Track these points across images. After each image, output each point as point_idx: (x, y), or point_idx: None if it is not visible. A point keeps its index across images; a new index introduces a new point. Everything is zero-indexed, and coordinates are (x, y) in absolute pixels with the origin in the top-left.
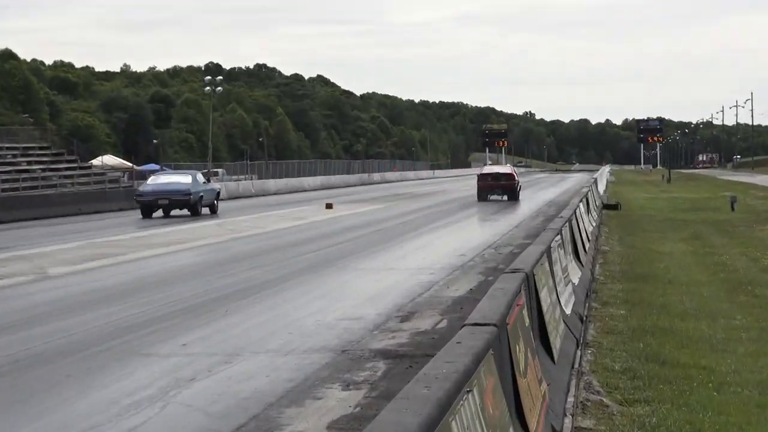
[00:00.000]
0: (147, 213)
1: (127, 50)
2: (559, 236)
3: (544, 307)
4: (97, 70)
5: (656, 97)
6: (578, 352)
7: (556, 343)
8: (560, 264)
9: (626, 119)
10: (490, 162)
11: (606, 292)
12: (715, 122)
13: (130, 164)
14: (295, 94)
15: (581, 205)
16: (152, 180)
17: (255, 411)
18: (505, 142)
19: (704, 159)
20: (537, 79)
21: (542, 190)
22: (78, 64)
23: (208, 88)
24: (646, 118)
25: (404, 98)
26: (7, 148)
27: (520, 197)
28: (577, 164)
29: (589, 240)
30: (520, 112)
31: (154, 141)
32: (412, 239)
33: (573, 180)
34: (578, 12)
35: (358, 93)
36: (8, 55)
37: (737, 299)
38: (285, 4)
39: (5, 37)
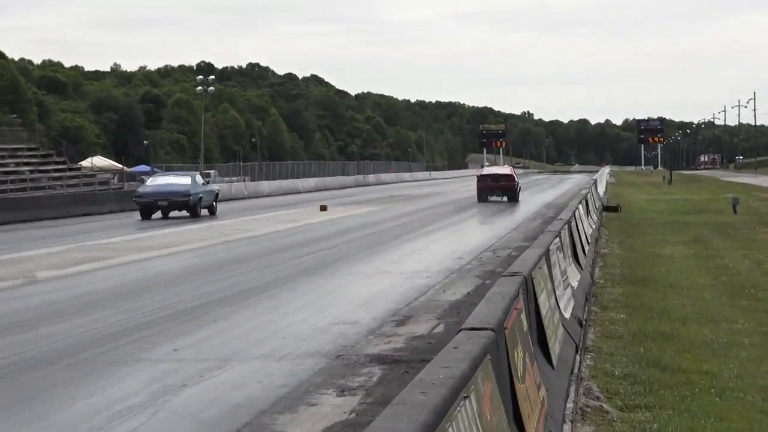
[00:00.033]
0: (146, 214)
1: (117, 49)
2: (557, 239)
3: (543, 311)
4: (86, 69)
5: (657, 97)
6: (577, 357)
7: (555, 347)
8: (559, 267)
9: (626, 119)
10: (487, 163)
11: (606, 295)
12: (717, 122)
13: (120, 166)
14: (288, 94)
15: (580, 207)
16: (151, 181)
17: (247, 418)
18: (503, 143)
19: (706, 160)
20: (535, 78)
21: (541, 191)
22: (67, 64)
23: (199, 87)
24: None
25: (400, 98)
26: None
27: (519, 199)
28: (577, 165)
29: (588, 243)
30: (518, 112)
31: (145, 142)
32: (407, 242)
33: (572, 181)
34: (578, 11)
35: (353, 93)
36: None
37: (740, 303)
38: (279, 2)
39: None
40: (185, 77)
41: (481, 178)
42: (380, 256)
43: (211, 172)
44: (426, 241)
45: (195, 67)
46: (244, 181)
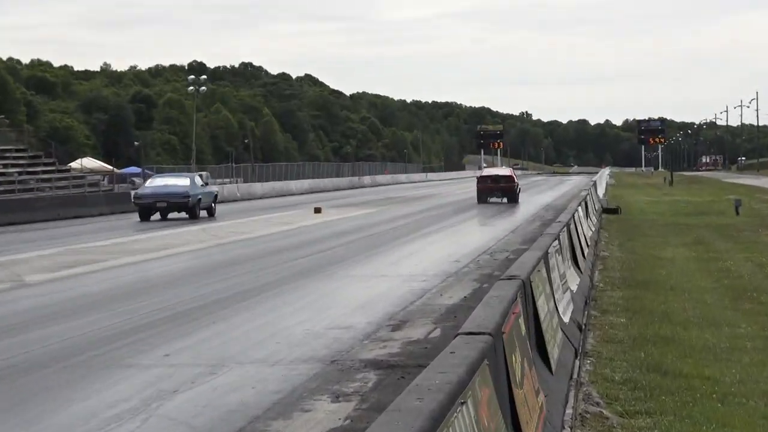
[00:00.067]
0: (145, 216)
1: (107, 48)
2: (556, 241)
3: (542, 316)
4: (76, 69)
5: (658, 97)
6: (577, 362)
7: (553, 352)
8: (558, 270)
9: (627, 120)
10: (485, 165)
11: (605, 299)
12: (719, 123)
13: (110, 167)
14: (282, 93)
15: (580, 209)
16: (150, 182)
17: (240, 424)
18: (501, 144)
19: (708, 161)
20: (534, 78)
21: (539, 193)
22: (56, 63)
23: (191, 87)
24: (647, 118)
25: (396, 98)
26: None
27: (519, 200)
28: (576, 167)
29: (588, 245)
30: (516, 113)
31: (136, 143)
32: (404, 245)
33: (571, 183)
34: (577, 10)
35: (347, 93)
36: None
37: (742, 307)
38: (272, 0)
39: None
40: (176, 77)
41: (481, 180)
42: (376, 259)
43: (203, 173)
44: (423, 244)
45: (186, 67)
46: (237, 182)
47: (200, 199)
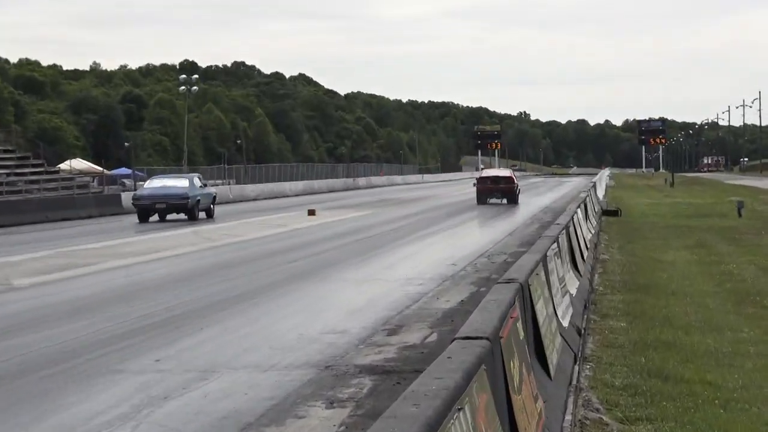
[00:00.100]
0: (144, 217)
1: (96, 47)
2: (555, 244)
3: (540, 320)
4: (65, 68)
5: (658, 97)
6: (576, 367)
7: (552, 357)
8: (557, 274)
9: (627, 120)
10: (482, 166)
11: (605, 303)
12: (721, 123)
13: (100, 168)
14: (275, 93)
15: (579, 211)
16: (149, 184)
17: (233, 431)
18: (499, 145)
19: (709, 162)
20: (532, 77)
21: (538, 195)
22: (44, 62)
23: (183, 87)
24: (647, 118)
25: (391, 98)
26: None
27: (518, 201)
28: (575, 168)
29: (587, 248)
30: (514, 113)
31: (126, 144)
32: (399, 247)
33: (570, 184)
34: (577, 7)
35: (342, 92)
36: None
37: (745, 311)
38: None
39: None
40: (168, 76)
41: (481, 181)
42: (371, 262)
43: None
44: (419, 247)
45: (178, 66)
46: (229, 184)
47: (199, 200)
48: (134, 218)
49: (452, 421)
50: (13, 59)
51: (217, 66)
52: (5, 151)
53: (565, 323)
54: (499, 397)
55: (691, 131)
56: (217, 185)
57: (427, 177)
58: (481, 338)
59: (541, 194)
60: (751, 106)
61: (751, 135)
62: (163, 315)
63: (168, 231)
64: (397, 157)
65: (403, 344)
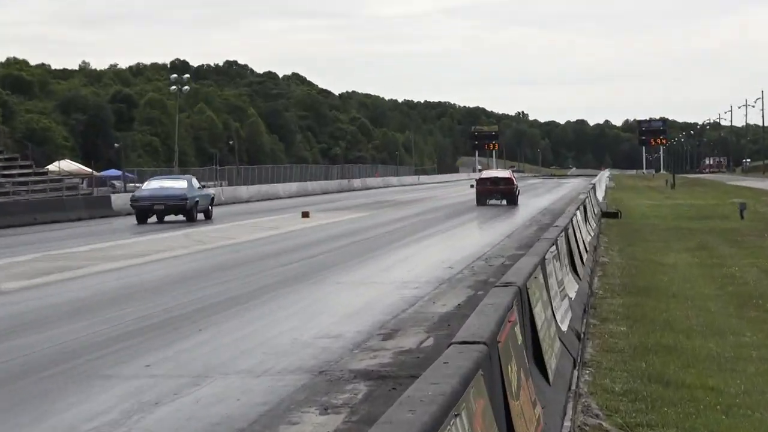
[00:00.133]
0: (142, 219)
1: (85, 46)
2: (554, 247)
3: (538, 324)
4: (53, 67)
5: (659, 97)
6: (575, 372)
7: (551, 362)
8: (556, 277)
9: (627, 120)
10: (480, 167)
11: (605, 307)
12: (723, 123)
13: (89, 170)
14: (268, 93)
15: (578, 213)
16: (147, 185)
17: None
18: (496, 145)
19: (711, 163)
20: (531, 77)
21: (536, 196)
22: (33, 62)
23: (174, 87)
24: (648, 118)
25: (387, 98)
26: None
27: (518, 202)
28: (574, 169)
29: (586, 251)
30: (512, 113)
31: (116, 144)
32: (395, 250)
33: (569, 186)
34: (576, 5)
35: (336, 92)
36: None
37: (747, 314)
38: None
39: None
40: (158, 76)
41: (480, 182)
42: (366, 265)
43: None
44: (415, 249)
45: (169, 65)
46: (221, 186)
47: (197, 201)
48: (124, 220)
49: (449, 427)
50: (1, 58)
51: (208, 65)
52: None
53: (564, 327)
54: (496, 403)
55: (692, 131)
56: (209, 187)
57: (423, 178)
58: (478, 343)
59: (540, 195)
60: (753, 106)
61: (754, 135)
62: (154, 319)
63: (159, 233)
64: (393, 158)
65: (399, 349)
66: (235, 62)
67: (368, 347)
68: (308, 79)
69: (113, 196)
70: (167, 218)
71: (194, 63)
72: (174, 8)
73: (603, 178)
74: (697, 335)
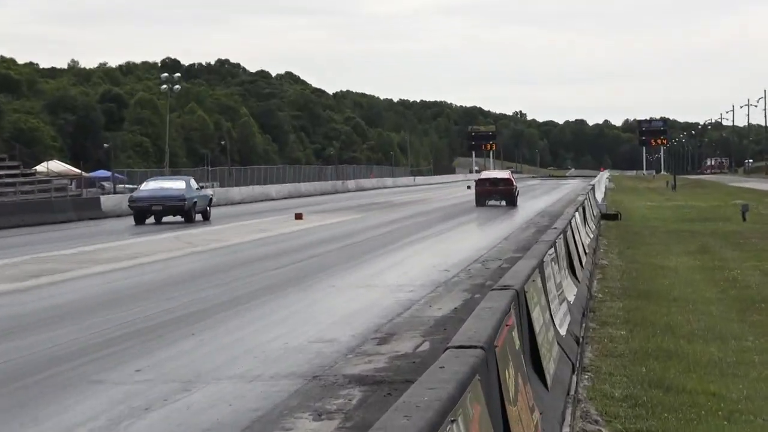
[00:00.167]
0: (140, 219)
1: (74, 45)
2: (552, 249)
3: (536, 328)
4: (41, 66)
5: (660, 96)
6: (574, 378)
7: (549, 367)
8: (554, 280)
9: (627, 120)
10: (476, 168)
11: (605, 310)
12: (724, 123)
13: (78, 171)
14: (260, 92)
15: (577, 215)
16: (145, 186)
17: None
18: (494, 146)
19: (713, 164)
20: (529, 76)
21: (534, 198)
22: (20, 60)
23: (164, 86)
24: (648, 118)
25: (382, 97)
26: None
27: (517, 203)
28: (573, 170)
29: (585, 253)
30: (509, 113)
31: (105, 145)
32: (390, 253)
33: (568, 187)
34: (575, 4)
35: (330, 91)
36: None
37: (749, 318)
38: None
39: None
40: (149, 75)
41: (480, 182)
42: (361, 268)
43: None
44: (410, 252)
45: (159, 64)
46: (213, 187)
47: (196, 202)
48: (114, 223)
49: None
50: None
51: (200, 64)
52: None
53: (563, 331)
54: (493, 409)
55: (693, 132)
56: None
57: (419, 179)
58: (475, 347)
59: (538, 197)
60: (755, 106)
61: (756, 135)
62: (143, 324)
63: (149, 236)
64: (388, 159)
65: (394, 353)
66: (227, 61)
67: (363, 352)
68: (302, 78)
69: (102, 198)
70: (165, 219)
71: (185, 62)
72: (165, 6)
73: (602, 179)
74: (699, 340)
